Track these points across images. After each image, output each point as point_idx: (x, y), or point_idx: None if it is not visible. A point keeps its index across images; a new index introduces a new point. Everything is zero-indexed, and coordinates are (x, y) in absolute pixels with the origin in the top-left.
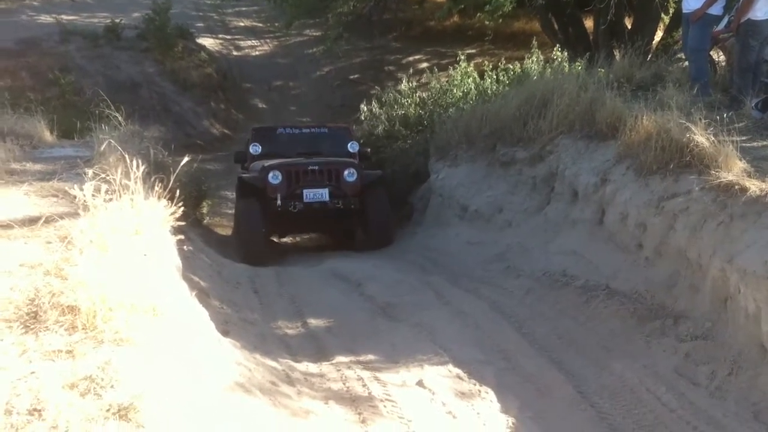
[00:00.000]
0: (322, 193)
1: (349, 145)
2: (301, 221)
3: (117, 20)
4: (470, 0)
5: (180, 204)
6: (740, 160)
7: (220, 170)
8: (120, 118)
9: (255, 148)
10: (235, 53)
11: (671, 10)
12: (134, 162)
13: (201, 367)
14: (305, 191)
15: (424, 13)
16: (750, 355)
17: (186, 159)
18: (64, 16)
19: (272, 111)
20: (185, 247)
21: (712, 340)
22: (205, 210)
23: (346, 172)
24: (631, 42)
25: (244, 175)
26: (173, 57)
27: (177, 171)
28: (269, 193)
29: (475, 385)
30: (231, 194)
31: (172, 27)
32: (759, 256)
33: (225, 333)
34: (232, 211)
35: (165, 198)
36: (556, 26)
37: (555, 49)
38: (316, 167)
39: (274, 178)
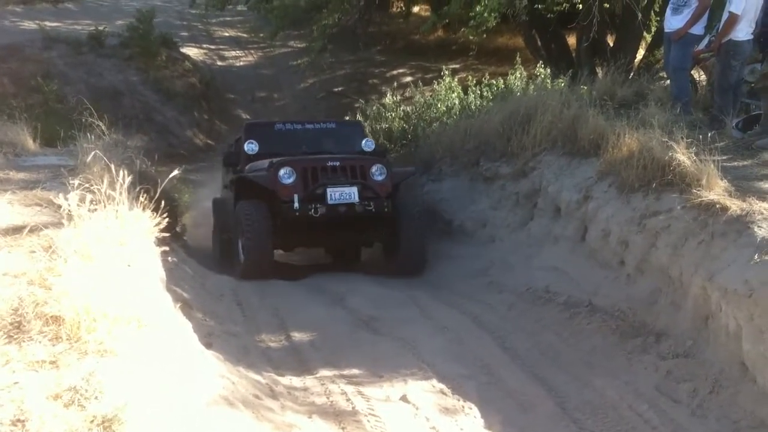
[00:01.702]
0: (350, 193)
1: (363, 143)
2: (320, 230)
3: (100, 27)
4: (454, 15)
5: (165, 215)
6: (721, 179)
7: (203, 180)
8: (103, 126)
9: (251, 147)
10: (219, 63)
11: (653, 29)
12: (121, 172)
13: (185, 380)
14: (329, 190)
15: (408, 26)
16: (731, 373)
17: (176, 171)
18: (47, 23)
19: None
20: (169, 258)
21: (694, 358)
22: (185, 221)
23: (374, 169)
24: (614, 60)
25: (243, 174)
26: (157, 66)
27: (164, 182)
28: (282, 195)
29: (458, 400)
30: (209, 203)
31: (155, 35)
32: (739, 274)
33: (208, 345)
34: (210, 222)
35: (150, 209)
36: (539, 42)
37: (538, 65)
38: (338, 163)
39: (287, 176)
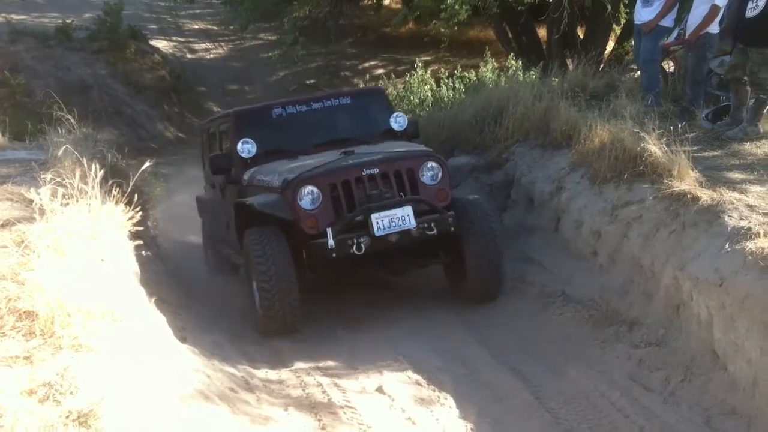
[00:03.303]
0: (404, 217)
1: (393, 119)
2: (363, 264)
3: (68, 21)
4: (425, 7)
5: (138, 209)
6: (692, 169)
7: (174, 174)
8: (72, 120)
9: (247, 147)
10: (189, 56)
11: (622, 21)
12: (93, 166)
13: (160, 374)
14: (375, 218)
15: (379, 19)
16: (702, 362)
17: (148, 164)
18: (13, 16)
19: None
20: (143, 252)
21: (666, 347)
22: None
23: (424, 170)
24: (584, 52)
25: (245, 199)
26: (126, 59)
27: (136, 176)
28: (307, 227)
29: (434, 391)
30: (182, 197)
31: (124, 28)
32: (710, 264)
33: (183, 339)
34: (183, 215)
35: (123, 203)
36: (510, 35)
37: (509, 57)
38: (376, 170)
39: (312, 200)
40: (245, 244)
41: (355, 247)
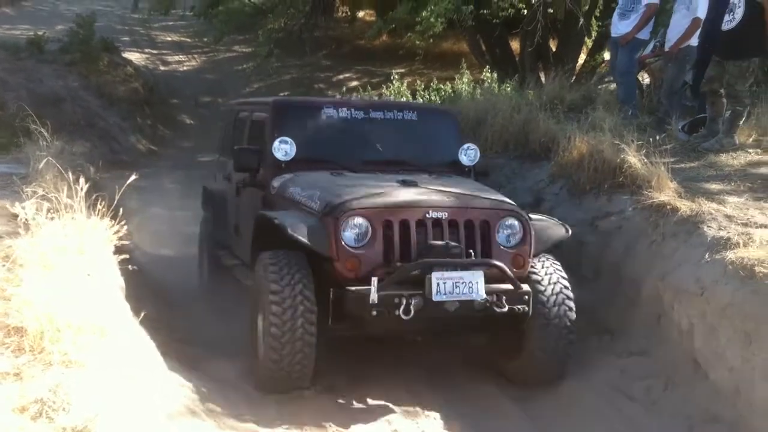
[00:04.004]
0: (473, 283)
1: (463, 151)
2: (398, 332)
3: (40, 33)
4: (400, 20)
5: (123, 223)
6: (671, 181)
7: (147, 187)
8: (46, 133)
9: (284, 148)
10: (162, 68)
11: (594, 34)
12: (80, 179)
13: (148, 390)
14: (437, 278)
15: (353, 31)
16: (684, 370)
17: (134, 176)
18: None
19: (200, 127)
20: (129, 266)
21: (648, 356)
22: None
23: (502, 226)
24: (557, 64)
25: (272, 214)
26: (98, 71)
27: (122, 189)
28: (343, 269)
29: (420, 404)
30: (156, 210)
31: (97, 40)
32: (690, 273)
33: (167, 355)
34: (161, 229)
35: (108, 217)
36: (483, 47)
37: (485, 70)
38: (444, 213)
39: (357, 234)
40: (260, 268)
41: (402, 308)
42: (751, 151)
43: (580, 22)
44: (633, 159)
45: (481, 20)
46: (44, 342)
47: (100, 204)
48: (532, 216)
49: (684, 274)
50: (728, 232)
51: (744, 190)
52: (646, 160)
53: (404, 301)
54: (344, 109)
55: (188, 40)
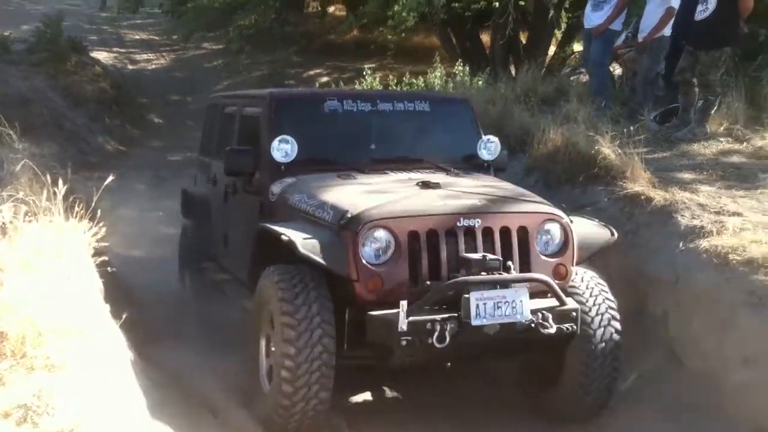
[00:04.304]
0: (516, 303)
1: (482, 144)
2: (429, 362)
3: (5, 33)
4: (372, 14)
5: (101, 225)
6: (645, 171)
7: (116, 188)
8: (15, 135)
9: (284, 148)
10: (130, 67)
11: (563, 26)
12: (58, 182)
13: (129, 392)
14: (476, 297)
15: (324, 26)
16: (659, 359)
17: (111, 178)
18: None
19: (170, 126)
20: (108, 268)
21: (624, 346)
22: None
23: (541, 232)
24: (528, 57)
25: (277, 228)
26: (66, 71)
27: (100, 191)
28: (364, 290)
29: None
30: (126, 211)
31: (64, 40)
32: (665, 263)
33: (146, 357)
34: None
35: (86, 219)
36: (454, 41)
37: (457, 63)
38: (476, 221)
39: (378, 249)
40: (266, 285)
41: (436, 336)
42: (722, 140)
43: (551, 14)
44: (607, 150)
45: (452, 14)
46: (26, 347)
47: (78, 206)
48: (573, 218)
49: (658, 263)
50: (701, 221)
51: (716, 178)
52: (620, 151)
53: (438, 327)
54: (349, 101)
55: (157, 38)
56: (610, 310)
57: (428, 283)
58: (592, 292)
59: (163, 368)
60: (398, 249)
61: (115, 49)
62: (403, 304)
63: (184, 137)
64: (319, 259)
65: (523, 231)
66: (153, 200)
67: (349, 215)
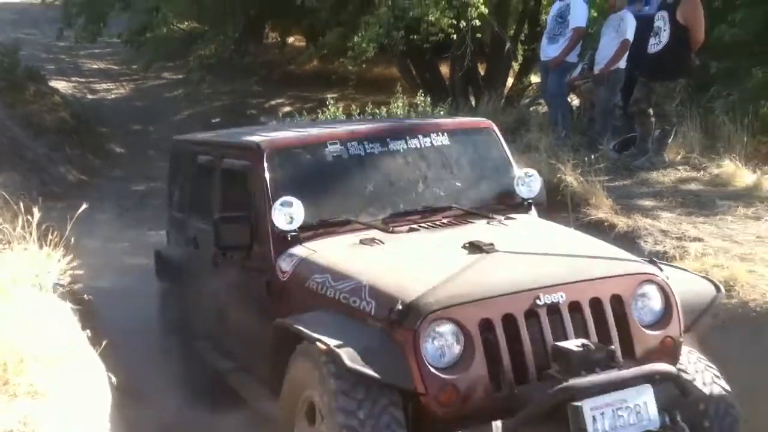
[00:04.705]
0: (640, 408)
1: (520, 180)
2: None
3: None
4: (332, 45)
5: (73, 254)
6: (607, 198)
7: (79, 218)
8: None
9: (288, 213)
10: (89, 96)
11: (520, 58)
12: (33, 210)
13: (111, 418)
14: (592, 407)
15: (284, 56)
16: None
17: (84, 206)
18: None
19: (131, 155)
20: (85, 296)
21: None
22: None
23: (637, 297)
24: (486, 88)
25: (305, 330)
26: (24, 100)
27: (73, 220)
28: (434, 406)
29: None
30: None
31: (21, 69)
32: None
33: (123, 385)
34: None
35: (61, 247)
36: (414, 72)
37: (418, 94)
38: (561, 295)
39: (445, 347)
40: (302, 368)
41: None
42: (680, 168)
43: (507, 47)
44: (570, 178)
45: (411, 45)
46: (8, 374)
47: (51, 234)
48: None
49: None
50: (664, 246)
51: (675, 205)
52: (582, 179)
53: None
54: (354, 143)
55: (116, 67)
56: (728, 397)
57: (516, 389)
58: (704, 377)
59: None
60: (470, 345)
61: (73, 79)
62: (497, 426)
63: (145, 167)
64: (373, 373)
65: (616, 300)
66: (117, 230)
67: (400, 307)
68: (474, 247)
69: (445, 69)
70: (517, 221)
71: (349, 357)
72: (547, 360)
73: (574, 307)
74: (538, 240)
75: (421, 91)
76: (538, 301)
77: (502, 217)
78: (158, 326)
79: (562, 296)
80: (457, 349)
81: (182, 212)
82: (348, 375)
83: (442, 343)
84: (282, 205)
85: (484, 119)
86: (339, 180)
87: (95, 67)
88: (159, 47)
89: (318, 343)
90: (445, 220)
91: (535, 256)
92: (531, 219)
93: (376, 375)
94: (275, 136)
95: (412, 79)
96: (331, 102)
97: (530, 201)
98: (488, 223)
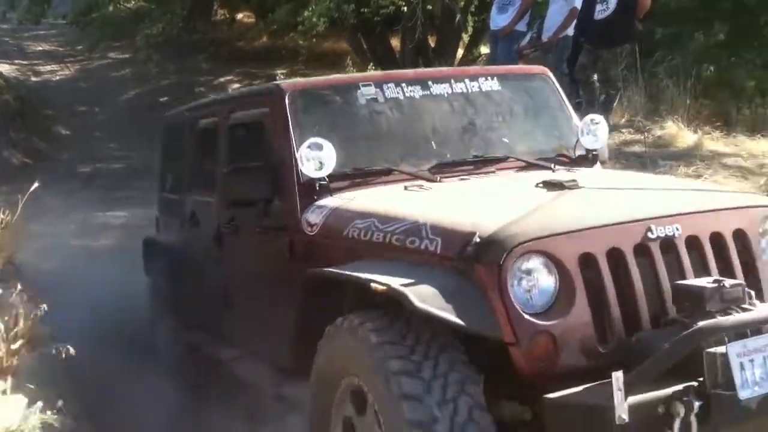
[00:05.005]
0: None
1: (586, 128)
2: None
3: None
4: (282, 20)
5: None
6: None
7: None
8: None
9: (317, 156)
10: (33, 79)
11: (470, 29)
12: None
13: None
14: (738, 353)
15: (233, 33)
16: None
17: (36, 184)
18: None
19: (78, 137)
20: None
21: None
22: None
23: (764, 231)
24: (437, 60)
25: (353, 273)
26: None
27: (23, 201)
28: (527, 361)
29: None
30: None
31: None
32: None
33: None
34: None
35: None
36: (364, 45)
37: (369, 67)
38: (677, 227)
39: (534, 289)
40: (343, 347)
41: (678, 425)
42: (624, 131)
43: (457, 18)
44: None
45: (361, 18)
46: None
47: (3, 213)
48: None
49: None
50: None
51: (620, 167)
52: None
53: (681, 413)
54: (391, 85)
55: (60, 48)
56: None
57: (634, 337)
58: None
59: None
60: (568, 285)
61: (17, 61)
62: (618, 376)
63: (92, 148)
64: (451, 316)
65: (741, 235)
66: (63, 213)
67: (478, 239)
68: (553, 185)
69: (395, 42)
70: (581, 171)
71: (417, 296)
72: (662, 304)
73: (691, 243)
74: (626, 179)
75: (371, 64)
76: (650, 234)
77: (569, 168)
78: (151, 326)
79: (677, 229)
80: (552, 289)
81: (178, 192)
82: (408, 352)
83: (533, 282)
84: (310, 147)
85: (539, 67)
86: (374, 126)
87: (40, 48)
88: (105, 27)
89: (373, 285)
90: (497, 170)
91: (633, 191)
92: (602, 169)
93: (457, 320)
94: (296, 81)
95: (362, 52)
96: (281, 77)
97: (596, 152)
98: (553, 171)
